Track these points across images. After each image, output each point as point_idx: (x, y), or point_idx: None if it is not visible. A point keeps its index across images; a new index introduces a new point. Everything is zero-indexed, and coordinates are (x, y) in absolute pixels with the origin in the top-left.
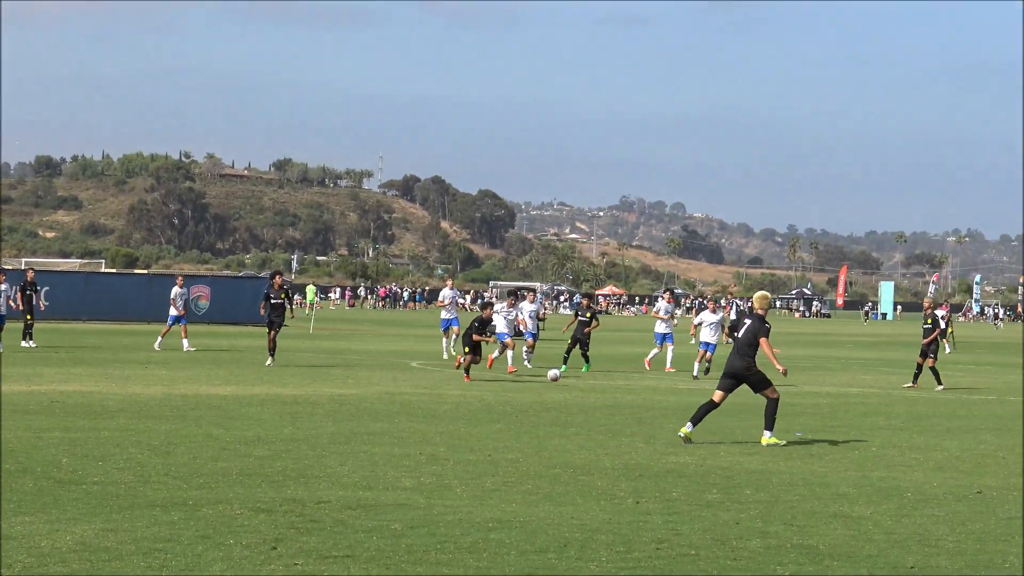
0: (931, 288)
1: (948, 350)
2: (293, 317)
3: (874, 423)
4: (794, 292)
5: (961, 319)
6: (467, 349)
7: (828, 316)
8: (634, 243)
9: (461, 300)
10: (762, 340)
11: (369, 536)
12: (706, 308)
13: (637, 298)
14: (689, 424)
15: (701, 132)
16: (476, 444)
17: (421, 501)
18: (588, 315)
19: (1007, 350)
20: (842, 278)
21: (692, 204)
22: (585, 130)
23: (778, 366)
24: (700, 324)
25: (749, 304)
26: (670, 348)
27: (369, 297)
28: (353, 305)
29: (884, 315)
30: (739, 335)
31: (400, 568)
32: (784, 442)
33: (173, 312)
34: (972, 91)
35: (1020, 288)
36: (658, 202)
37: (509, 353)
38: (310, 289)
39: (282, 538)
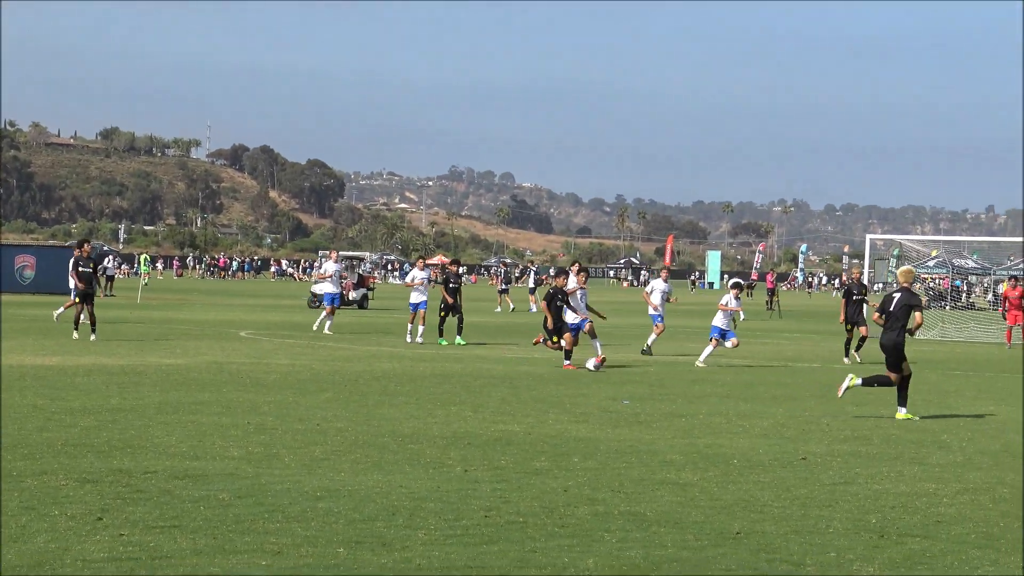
0: (846, 263)
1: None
2: (99, 286)
3: (702, 391)
4: (622, 261)
5: (785, 288)
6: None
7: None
8: (463, 213)
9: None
10: (916, 313)
11: (196, 506)
12: (658, 277)
13: (464, 267)
14: (904, 409)
15: (530, 102)
16: (305, 413)
17: (249, 470)
18: (456, 283)
19: (829, 319)
20: (669, 247)
21: (521, 174)
22: (414, 100)
23: (911, 331)
24: (652, 291)
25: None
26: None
27: (197, 267)
28: (181, 275)
29: (711, 284)
30: (891, 309)
31: (227, 538)
32: (918, 417)
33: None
34: (801, 63)
35: (844, 257)
36: (487, 172)
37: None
38: (143, 258)
39: (108, 509)
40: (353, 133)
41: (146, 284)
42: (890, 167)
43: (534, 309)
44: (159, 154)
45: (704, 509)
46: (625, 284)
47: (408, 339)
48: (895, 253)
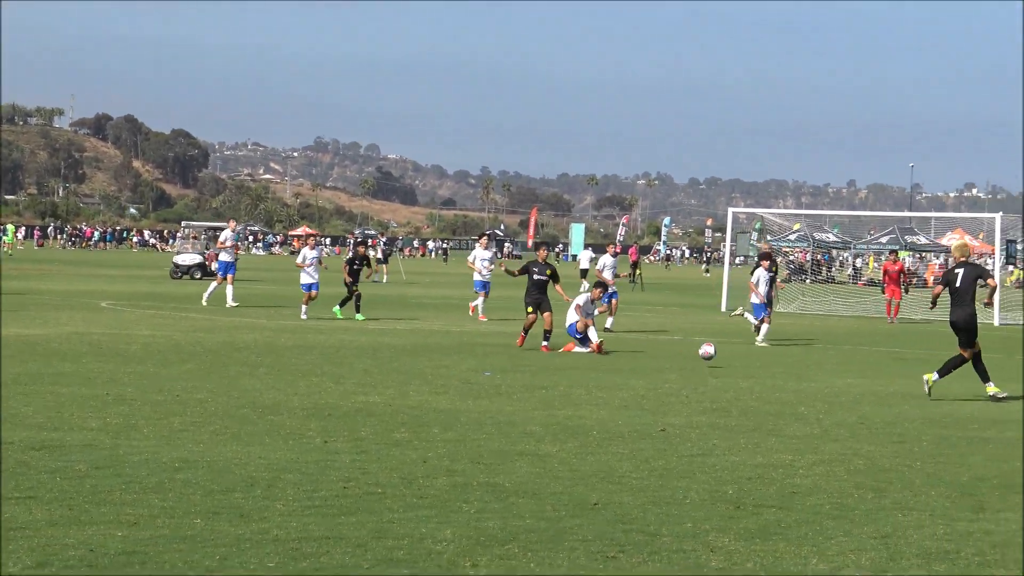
0: (708, 236)
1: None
2: None
3: (563, 363)
4: (487, 233)
5: (648, 260)
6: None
7: (519, 257)
8: (328, 184)
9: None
10: (989, 280)
11: (52, 477)
12: (606, 252)
13: (329, 239)
14: (991, 383)
15: (396, 74)
16: (165, 384)
17: (107, 441)
18: (360, 265)
19: (693, 291)
20: (533, 220)
21: (387, 146)
22: (280, 71)
23: (988, 301)
24: (604, 268)
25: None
26: (766, 325)
27: (59, 237)
28: (42, 245)
29: (574, 256)
30: (958, 286)
31: (83, 509)
32: (1005, 393)
33: None
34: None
35: (707, 230)
36: (353, 143)
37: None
38: (10, 228)
39: None
40: (218, 103)
41: (9, 254)
42: (754, 142)
43: (376, 279)
44: (21, 123)
45: (562, 480)
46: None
47: (303, 317)
48: (757, 227)
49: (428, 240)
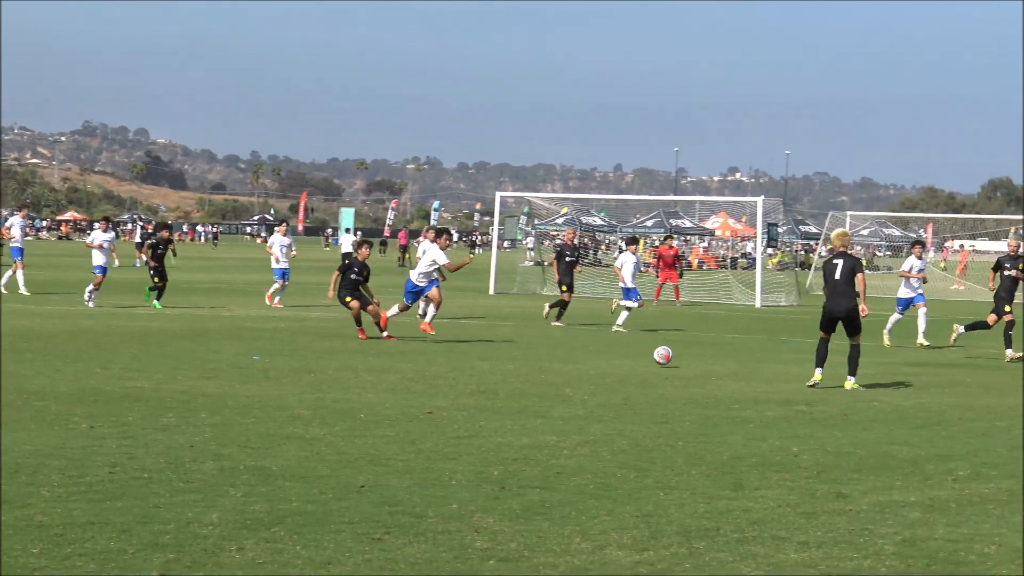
0: (476, 220)
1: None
2: None
3: (331, 346)
4: (256, 218)
5: (417, 244)
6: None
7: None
8: (96, 168)
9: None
10: (859, 276)
11: None
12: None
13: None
14: (818, 370)
15: (164, 57)
16: None
17: None
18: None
19: (458, 274)
20: (303, 204)
21: (156, 130)
22: (47, 54)
23: (864, 306)
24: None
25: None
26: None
27: None
28: None
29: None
30: (837, 277)
31: None
32: (862, 388)
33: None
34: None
35: (476, 214)
36: (121, 127)
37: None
38: None
39: None
40: None
41: None
42: (522, 126)
43: (138, 265)
44: None
45: (330, 463)
46: (259, 240)
47: (87, 300)
48: (525, 210)
49: (197, 224)
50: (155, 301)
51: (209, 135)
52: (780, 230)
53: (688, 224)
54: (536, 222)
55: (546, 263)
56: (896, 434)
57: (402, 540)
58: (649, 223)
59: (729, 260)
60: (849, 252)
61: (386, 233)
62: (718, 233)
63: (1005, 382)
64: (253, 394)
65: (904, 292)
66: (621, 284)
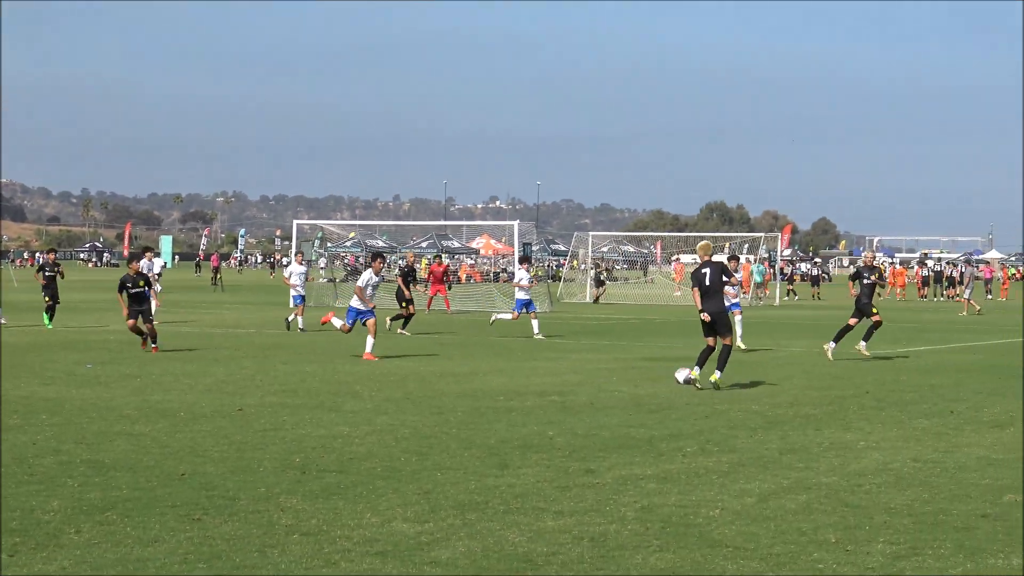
0: (278, 244)
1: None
2: None
3: (155, 356)
4: (87, 246)
5: (227, 266)
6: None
7: (116, 265)
8: None
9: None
10: (732, 279)
11: None
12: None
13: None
14: (697, 368)
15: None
16: None
17: None
18: (53, 271)
19: (262, 292)
20: (127, 233)
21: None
22: None
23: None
24: (290, 275)
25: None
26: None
27: None
28: None
29: (164, 264)
30: (708, 283)
31: None
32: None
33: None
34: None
35: (277, 239)
36: None
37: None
38: None
39: None
40: None
41: None
42: (314, 162)
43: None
44: None
45: (155, 455)
46: (91, 264)
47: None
48: (319, 236)
49: (36, 252)
50: (47, 321)
51: (45, 174)
52: (534, 248)
53: (456, 244)
54: (329, 245)
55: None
56: (634, 418)
57: (218, 520)
58: (424, 244)
59: (492, 275)
60: (713, 260)
61: (200, 257)
62: (482, 252)
63: (737, 373)
64: (87, 397)
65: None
66: (519, 295)
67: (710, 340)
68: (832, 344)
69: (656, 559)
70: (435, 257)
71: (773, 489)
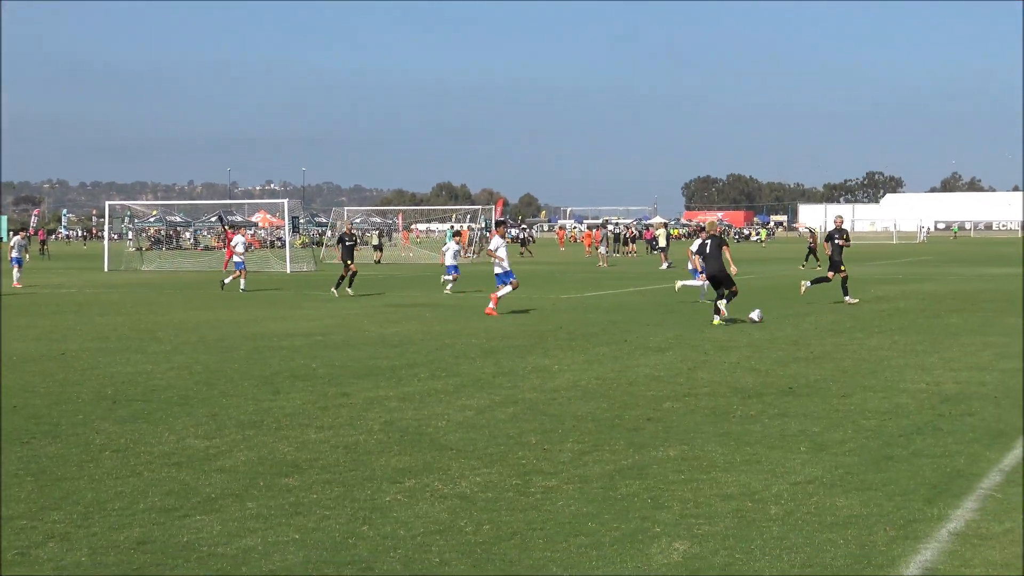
0: (95, 220)
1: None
2: None
3: None
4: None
5: (56, 239)
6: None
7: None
8: None
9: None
10: (725, 248)
11: None
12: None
13: None
14: (716, 316)
15: None
16: None
17: None
18: None
19: (82, 259)
20: None
21: None
22: None
23: (733, 267)
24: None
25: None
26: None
27: None
28: None
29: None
30: (708, 252)
31: None
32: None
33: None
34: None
35: (94, 217)
36: None
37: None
38: None
39: None
40: None
41: None
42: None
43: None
44: None
45: None
46: None
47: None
48: (127, 214)
49: None
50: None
51: None
52: (301, 222)
53: (240, 219)
54: (136, 221)
55: (327, 246)
56: (380, 352)
57: (44, 442)
58: (213, 219)
59: (269, 242)
60: (717, 234)
61: (31, 232)
62: (260, 224)
63: (460, 315)
64: None
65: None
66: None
67: (717, 291)
68: (808, 283)
69: (396, 460)
70: (228, 226)
71: (488, 404)
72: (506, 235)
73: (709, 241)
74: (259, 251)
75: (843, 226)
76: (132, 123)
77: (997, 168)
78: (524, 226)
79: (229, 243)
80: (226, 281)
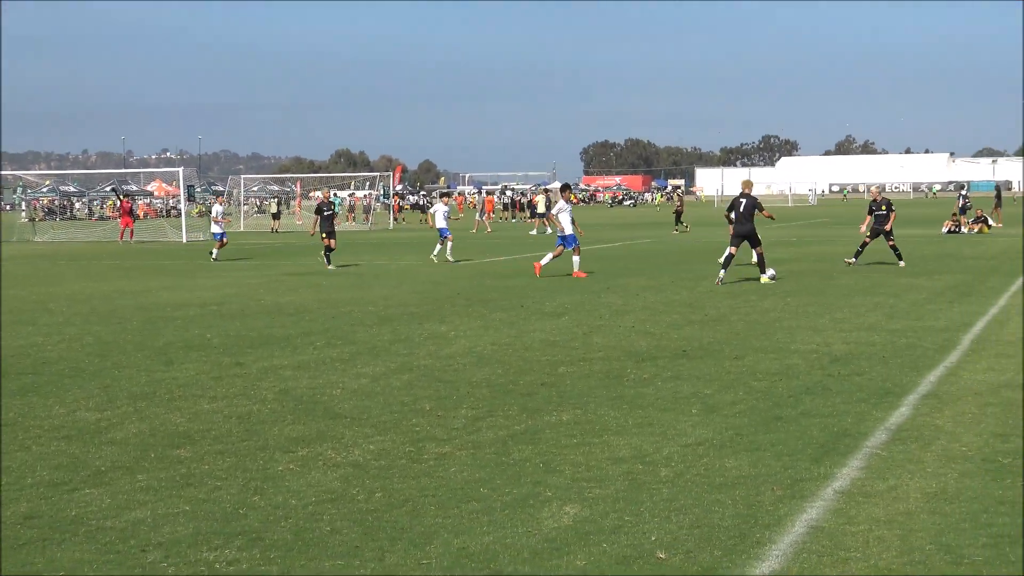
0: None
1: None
2: None
3: None
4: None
5: None
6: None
7: None
8: None
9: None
10: (760, 208)
11: None
12: (560, 200)
13: None
14: (722, 271)
15: None
16: None
17: None
18: None
19: None
20: None
21: None
22: None
23: (771, 215)
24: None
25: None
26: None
27: None
28: None
29: None
30: (741, 211)
31: None
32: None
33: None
34: None
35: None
36: None
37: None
38: None
39: None
40: None
41: None
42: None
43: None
44: None
45: None
46: None
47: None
48: (20, 184)
49: None
50: None
51: None
52: (198, 190)
53: (135, 188)
54: (29, 191)
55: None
56: (276, 321)
57: None
58: (107, 188)
59: (165, 211)
60: (750, 194)
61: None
62: (156, 193)
63: (357, 284)
64: None
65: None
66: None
67: (732, 249)
68: (853, 259)
69: (290, 430)
70: (124, 196)
71: (383, 371)
72: (570, 200)
73: (743, 200)
74: (154, 220)
75: (880, 197)
76: (23, 91)
77: (890, 131)
78: (423, 192)
79: (125, 212)
80: (214, 253)
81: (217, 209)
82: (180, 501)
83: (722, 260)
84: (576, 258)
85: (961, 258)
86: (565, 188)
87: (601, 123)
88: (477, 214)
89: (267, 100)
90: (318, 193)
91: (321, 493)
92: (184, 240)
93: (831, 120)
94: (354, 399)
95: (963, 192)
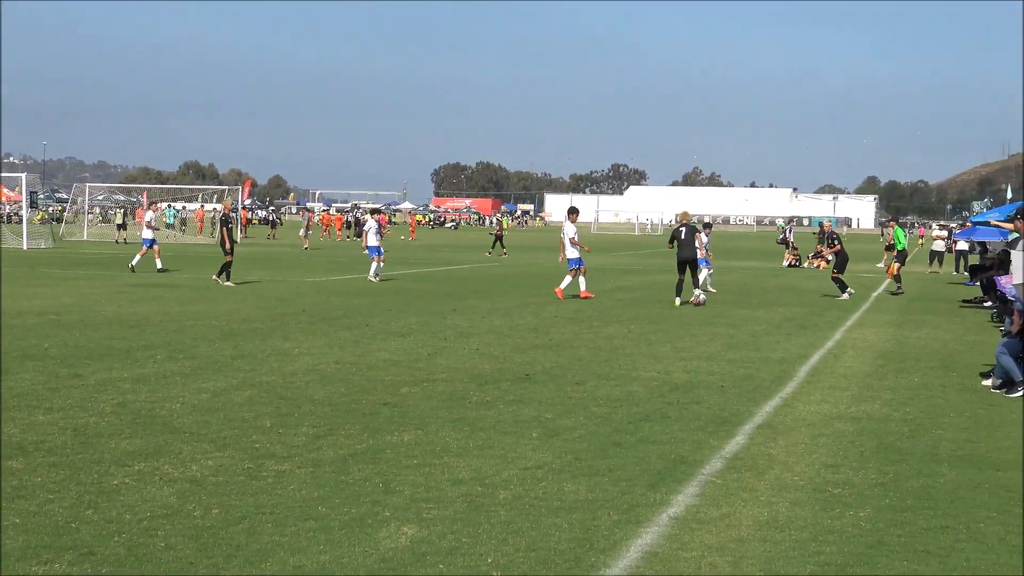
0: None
1: None
2: None
3: None
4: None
5: None
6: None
7: None
8: None
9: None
10: (698, 235)
11: None
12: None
13: None
14: (677, 298)
15: None
16: None
17: None
18: None
19: None
20: None
21: None
22: None
23: (707, 254)
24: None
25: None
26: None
27: None
28: None
29: None
30: (683, 238)
31: None
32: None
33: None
34: None
35: None
36: None
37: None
38: None
39: None
40: None
41: None
42: None
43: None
44: None
45: None
46: None
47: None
48: None
49: None
50: None
51: None
52: (40, 197)
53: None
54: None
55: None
56: (117, 332)
57: None
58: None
59: (6, 217)
60: (690, 224)
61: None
62: None
63: (201, 297)
64: None
65: (572, 253)
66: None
67: (681, 276)
68: (845, 295)
69: (127, 444)
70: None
71: (224, 387)
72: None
73: (683, 228)
74: None
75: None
76: None
77: (736, 165)
78: (272, 208)
79: None
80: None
81: (149, 215)
82: (10, 514)
83: (676, 286)
84: (582, 279)
85: (800, 291)
86: (573, 212)
87: (453, 144)
88: (301, 230)
89: (114, 102)
90: (103, 199)
91: (156, 508)
92: (25, 246)
93: (680, 150)
94: (194, 414)
95: (790, 227)
